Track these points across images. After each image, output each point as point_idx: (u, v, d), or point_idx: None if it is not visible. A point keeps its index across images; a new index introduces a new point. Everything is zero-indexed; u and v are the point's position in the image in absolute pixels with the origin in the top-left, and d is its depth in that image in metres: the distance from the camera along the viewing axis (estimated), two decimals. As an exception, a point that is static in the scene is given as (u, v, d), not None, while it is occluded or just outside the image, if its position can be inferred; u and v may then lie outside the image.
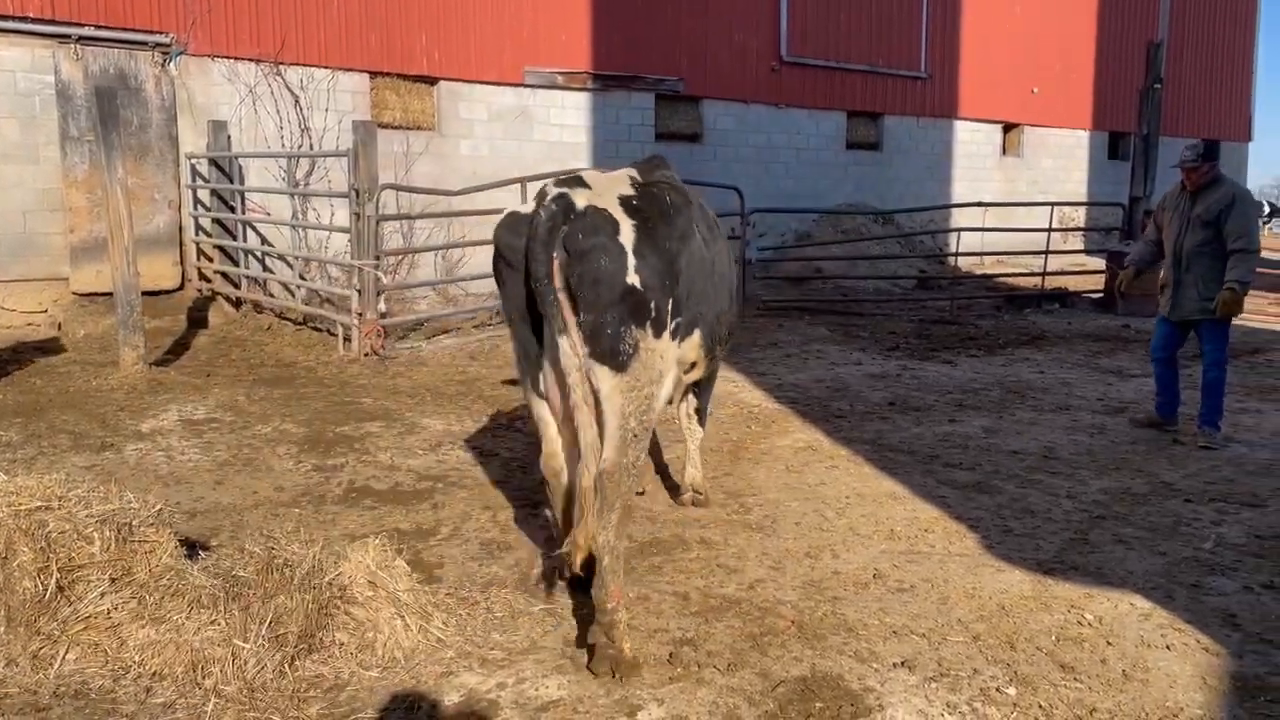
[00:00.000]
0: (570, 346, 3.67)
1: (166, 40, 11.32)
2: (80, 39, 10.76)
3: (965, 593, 4.26)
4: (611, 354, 3.67)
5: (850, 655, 3.69)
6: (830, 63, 17.44)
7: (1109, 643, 3.83)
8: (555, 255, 3.63)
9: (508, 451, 6.40)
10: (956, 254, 15.04)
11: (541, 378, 3.98)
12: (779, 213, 15.59)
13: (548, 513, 4.48)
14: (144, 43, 11.20)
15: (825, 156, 17.70)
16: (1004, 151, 20.47)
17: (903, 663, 3.63)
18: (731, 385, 8.55)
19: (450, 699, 3.38)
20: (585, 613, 4.02)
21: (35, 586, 3.41)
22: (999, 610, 4.10)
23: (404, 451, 6.34)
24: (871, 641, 3.80)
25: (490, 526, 5.06)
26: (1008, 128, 20.41)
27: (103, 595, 3.53)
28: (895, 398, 8.13)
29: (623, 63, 15.12)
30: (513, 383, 6.86)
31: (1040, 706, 3.37)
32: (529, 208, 3.86)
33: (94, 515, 3.62)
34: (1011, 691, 3.45)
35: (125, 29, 11.06)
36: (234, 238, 11.61)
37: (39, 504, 3.63)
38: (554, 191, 3.82)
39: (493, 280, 4.23)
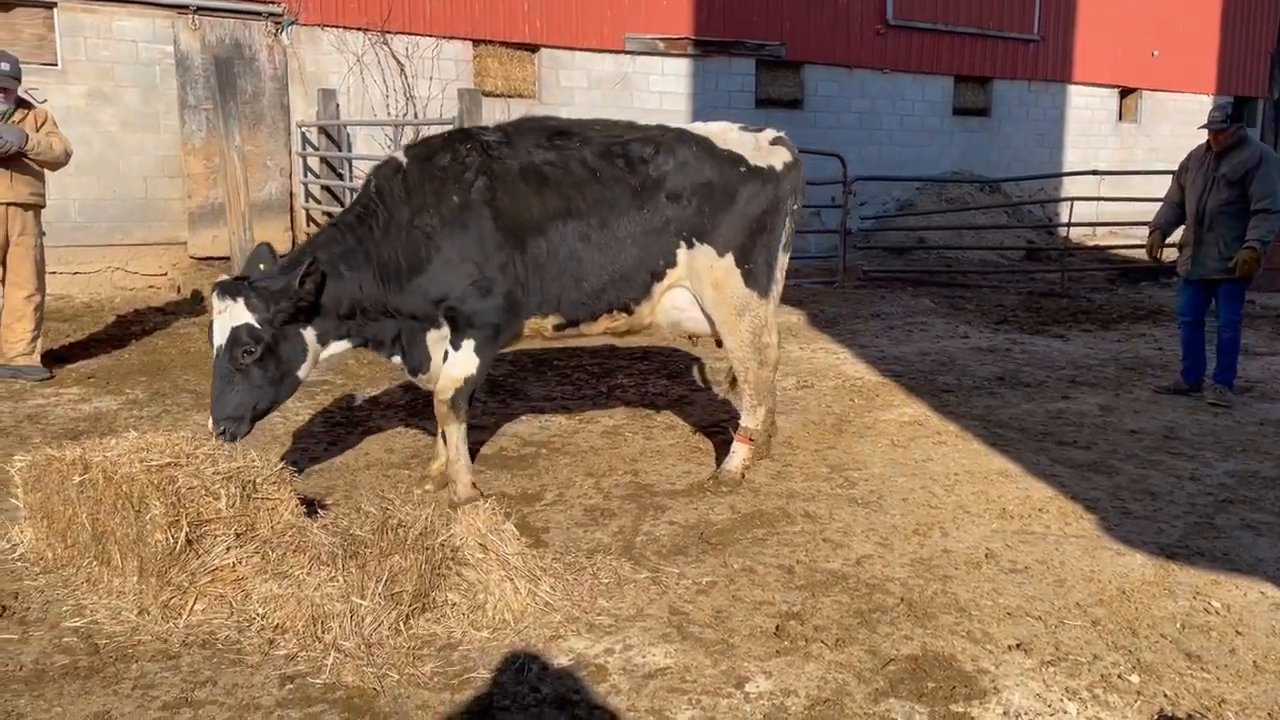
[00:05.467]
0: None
1: (279, 10, 11.59)
2: (198, 9, 11.09)
3: (1083, 575, 4.12)
4: None
5: (963, 636, 3.61)
6: (938, 25, 16.90)
7: (1238, 632, 3.67)
8: None
9: (609, 419, 6.43)
10: (1069, 224, 14.50)
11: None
12: (882, 181, 15.25)
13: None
14: (258, 13, 11.49)
15: (930, 123, 17.22)
16: (1120, 117, 19.59)
17: (1018, 645, 3.54)
18: (833, 357, 8.43)
19: (559, 662, 3.42)
20: (688, 582, 4.03)
21: (166, 539, 3.56)
22: (1119, 594, 3.95)
23: (507, 416, 6.42)
24: (985, 622, 3.71)
25: (593, 493, 5.09)
26: (1125, 92, 19.52)
27: (228, 549, 3.66)
28: (1004, 372, 7.91)
29: (724, 28, 14.92)
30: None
31: (1165, 696, 3.24)
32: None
33: (220, 472, 3.75)
34: (1135, 679, 3.33)
35: (241, 0, 11.36)
36: (342, 205, 11.87)
37: (169, 460, 3.77)
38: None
39: None
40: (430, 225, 4.64)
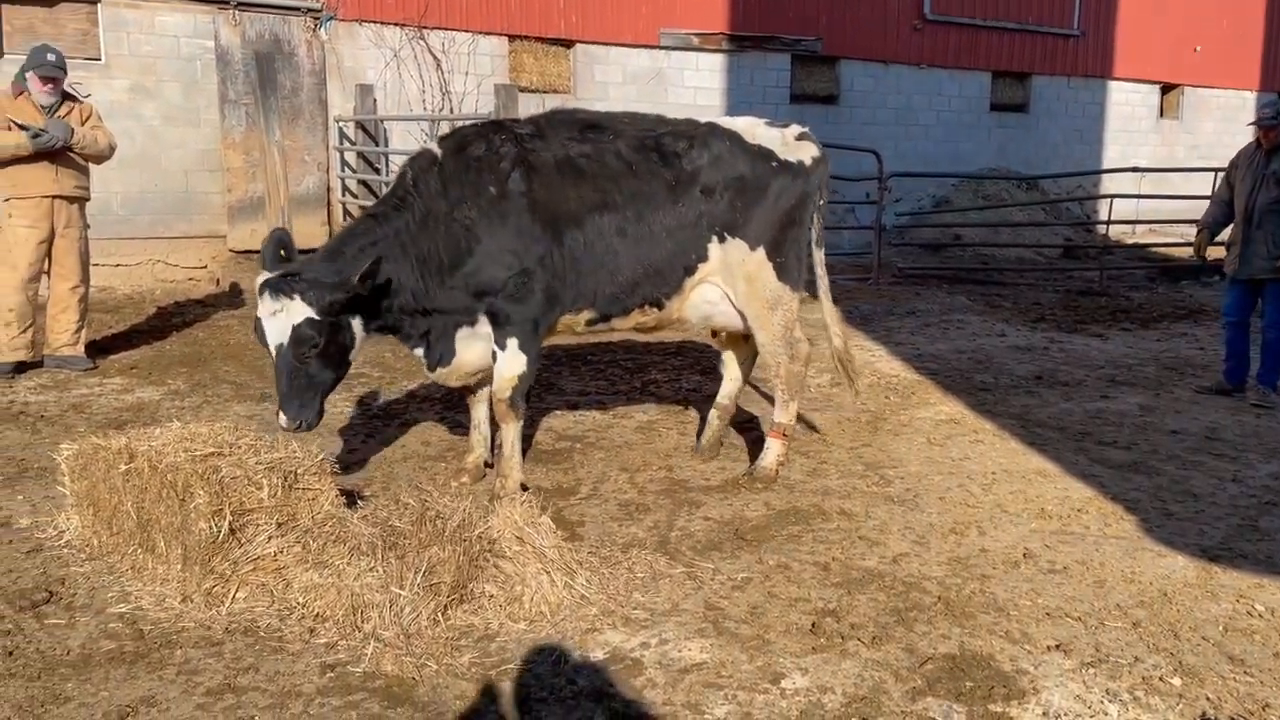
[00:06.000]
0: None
1: (318, 6, 11.69)
2: (238, 5, 11.20)
3: (1123, 577, 4.08)
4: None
5: (1001, 635, 3.58)
6: (976, 20, 16.74)
7: (1283, 636, 3.62)
8: None
9: (643, 414, 6.45)
10: (1108, 222, 14.31)
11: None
12: (917, 177, 15.14)
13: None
14: (297, 8, 11.59)
15: (967, 119, 17.06)
16: (1161, 114, 19.32)
17: (1058, 646, 3.51)
18: (868, 354, 8.38)
19: (595, 655, 3.43)
20: (723, 578, 4.03)
21: (210, 528, 3.61)
22: (1161, 596, 3.91)
23: (542, 410, 6.45)
24: (1023, 622, 3.68)
25: (628, 488, 5.10)
26: (1166, 88, 19.24)
27: (270, 539, 3.71)
28: (1042, 371, 7.83)
29: (759, 22, 14.87)
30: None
31: (1208, 699, 3.20)
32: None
33: (262, 462, 3.80)
34: (1176, 682, 3.29)
35: (280, -5, 11.49)
36: (378, 199, 11.96)
37: (212, 450, 3.84)
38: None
39: None
40: (469, 217, 4.60)
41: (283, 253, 4.51)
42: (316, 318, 4.27)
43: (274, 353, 4.35)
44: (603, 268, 4.82)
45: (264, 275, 4.35)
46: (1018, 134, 17.58)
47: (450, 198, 4.63)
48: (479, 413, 5.24)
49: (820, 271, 5.34)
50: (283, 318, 4.27)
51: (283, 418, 4.36)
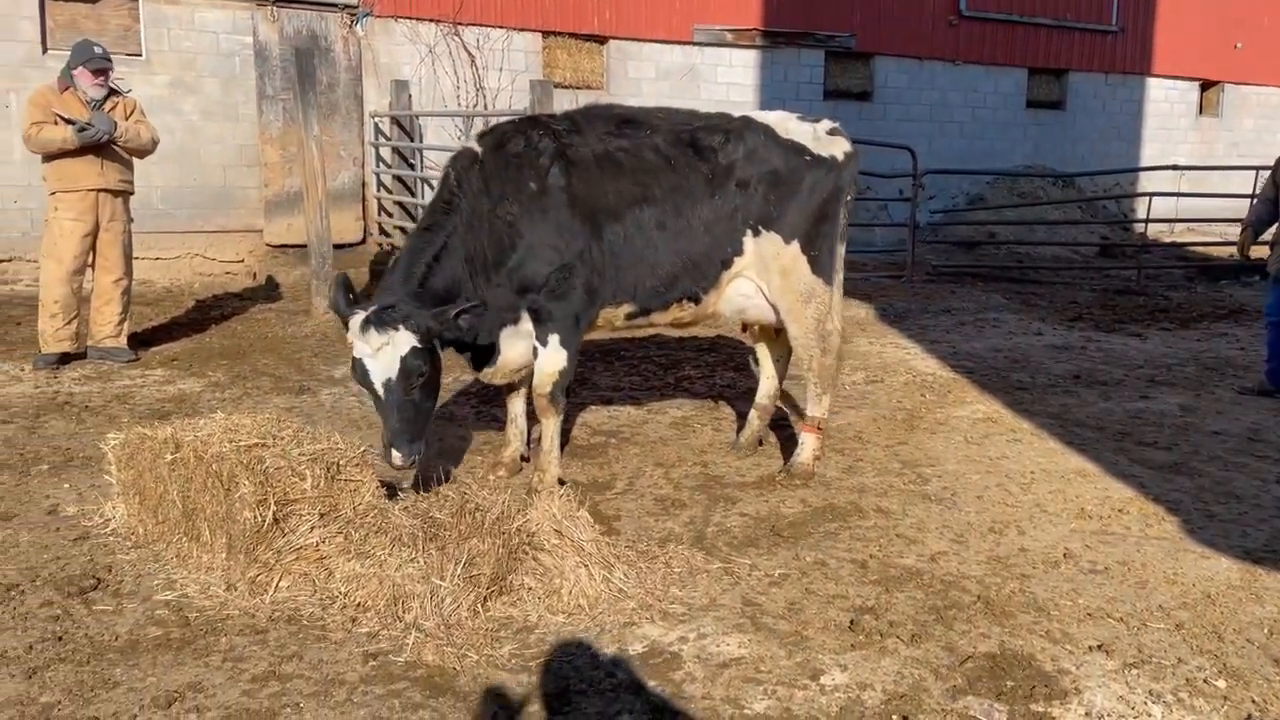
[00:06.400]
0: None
1: (354, 2, 11.78)
2: (277, 1, 11.31)
3: (1165, 578, 4.04)
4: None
5: (1042, 635, 3.56)
6: (1012, 16, 16.58)
7: (1329, 641, 3.57)
8: None
9: (677, 410, 6.45)
10: (1146, 220, 14.13)
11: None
12: (952, 174, 15.02)
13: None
14: (334, 4, 11.69)
15: (1003, 115, 16.91)
16: (1201, 111, 19.03)
17: (1099, 646, 3.48)
18: (903, 352, 8.34)
19: (633, 649, 3.44)
20: (760, 574, 4.03)
21: (254, 517, 3.66)
22: (1204, 598, 3.87)
23: (577, 406, 6.47)
24: (1064, 622, 3.65)
25: (663, 483, 5.11)
26: (1206, 85, 18.95)
27: (313, 529, 3.76)
28: (1080, 371, 7.75)
29: (793, 19, 14.81)
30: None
31: (1254, 701, 3.17)
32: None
33: (305, 453, 3.85)
34: (1221, 684, 3.26)
35: (318, -9, 11.58)
36: (412, 194, 12.05)
37: (256, 441, 3.89)
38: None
39: None
40: (511, 213, 4.61)
41: (351, 295, 4.39)
42: (419, 345, 4.18)
43: (381, 390, 4.19)
44: (642, 261, 4.84)
45: (358, 314, 4.18)
46: (1054, 131, 17.40)
47: (492, 195, 4.64)
48: (516, 407, 5.27)
49: (837, 265, 5.29)
50: (389, 351, 4.13)
51: (396, 456, 4.19)
